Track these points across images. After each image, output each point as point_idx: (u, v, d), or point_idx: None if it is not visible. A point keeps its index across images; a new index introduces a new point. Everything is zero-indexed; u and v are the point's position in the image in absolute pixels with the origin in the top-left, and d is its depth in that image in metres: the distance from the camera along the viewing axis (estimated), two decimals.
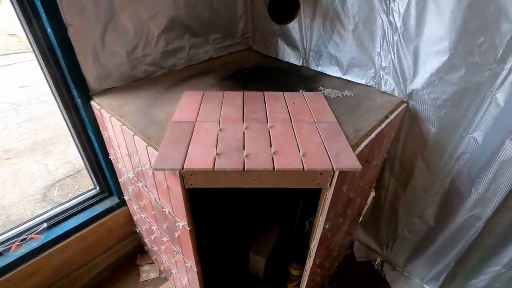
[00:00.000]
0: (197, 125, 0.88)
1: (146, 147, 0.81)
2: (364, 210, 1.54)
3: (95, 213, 1.30)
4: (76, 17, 0.92)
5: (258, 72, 1.32)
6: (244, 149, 0.78)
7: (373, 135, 0.89)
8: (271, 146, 0.80)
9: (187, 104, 1.00)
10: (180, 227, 0.87)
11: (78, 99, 1.04)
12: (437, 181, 1.16)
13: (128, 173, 1.06)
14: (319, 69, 1.32)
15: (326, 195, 0.81)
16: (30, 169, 2.65)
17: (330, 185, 0.78)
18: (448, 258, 1.23)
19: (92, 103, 1.03)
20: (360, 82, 1.21)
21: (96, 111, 1.04)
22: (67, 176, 2.61)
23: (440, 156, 1.11)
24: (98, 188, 1.35)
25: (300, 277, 1.22)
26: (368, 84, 1.19)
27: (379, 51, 1.10)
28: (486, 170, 0.99)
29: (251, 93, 1.09)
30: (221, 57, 1.47)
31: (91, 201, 1.33)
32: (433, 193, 1.19)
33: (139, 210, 1.20)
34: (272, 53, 1.48)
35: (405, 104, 1.08)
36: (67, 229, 1.23)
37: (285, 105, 1.02)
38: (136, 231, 1.42)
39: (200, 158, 0.74)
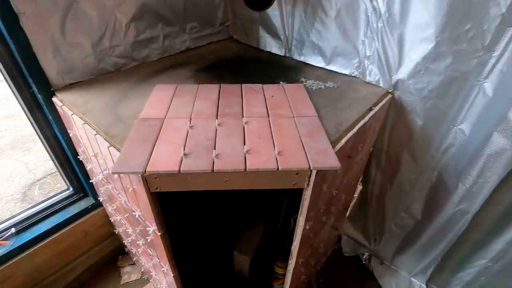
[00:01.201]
0: (166, 122, 0.82)
1: (108, 147, 0.74)
2: (352, 204, 1.51)
3: (69, 215, 1.23)
4: (29, 4, 0.84)
5: (238, 63, 1.25)
6: (214, 149, 0.72)
7: (355, 129, 0.84)
8: (244, 144, 0.74)
9: (158, 99, 0.92)
10: (151, 232, 0.81)
11: (39, 96, 0.96)
12: (423, 174, 1.12)
13: (98, 175, 0.99)
14: (302, 59, 1.26)
15: (304, 195, 0.76)
16: (9, 168, 2.55)
17: (308, 185, 0.72)
18: (435, 252, 1.21)
19: (55, 99, 0.95)
20: (344, 72, 1.15)
21: (58, 109, 0.96)
22: (49, 174, 2.52)
23: (426, 149, 1.06)
24: (71, 189, 1.28)
25: (284, 275, 1.18)
26: (352, 75, 1.13)
27: (363, 39, 1.04)
28: (473, 164, 0.95)
29: (228, 86, 1.02)
30: (199, 47, 1.39)
31: (65, 203, 1.26)
32: (420, 187, 1.15)
33: (114, 212, 1.14)
34: (253, 42, 1.40)
35: (390, 95, 1.03)
36: (39, 233, 1.16)
37: (263, 98, 0.95)
38: (115, 232, 1.36)
39: (165, 159, 0.68)
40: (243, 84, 1.03)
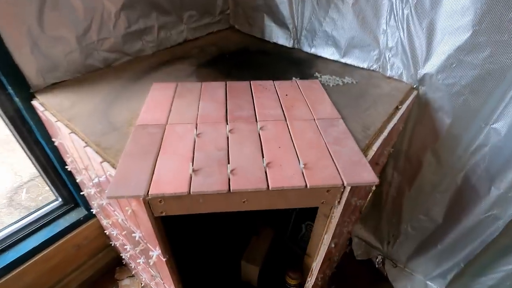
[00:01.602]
0: (168, 129, 0.70)
1: (101, 163, 0.62)
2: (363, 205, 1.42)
3: (58, 229, 1.11)
4: None
5: (242, 56, 1.13)
6: (228, 162, 0.61)
7: (385, 133, 0.74)
8: (263, 156, 0.63)
9: (156, 101, 0.80)
10: (154, 256, 0.70)
11: (16, 99, 0.82)
12: (447, 176, 1.04)
13: (90, 188, 0.87)
14: (312, 51, 1.14)
15: (333, 213, 0.66)
16: None
17: (339, 202, 0.62)
18: (458, 258, 1.14)
19: (35, 103, 0.82)
20: (361, 66, 1.04)
21: (40, 114, 0.83)
22: (36, 177, 2.36)
23: (453, 149, 0.97)
24: (60, 199, 1.15)
25: (297, 286, 1.10)
26: (371, 68, 1.02)
27: (385, 28, 0.93)
28: (509, 166, 0.86)
29: (235, 83, 0.90)
30: (198, 38, 1.25)
31: (53, 215, 1.13)
32: (443, 189, 1.07)
33: (110, 226, 1.02)
34: (257, 32, 1.27)
35: (415, 92, 0.93)
36: (25, 251, 1.04)
37: (276, 97, 0.84)
38: (111, 244, 1.25)
39: (171, 177, 0.57)
40: (251, 81, 0.91)
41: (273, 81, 0.92)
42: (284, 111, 0.78)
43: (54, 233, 1.10)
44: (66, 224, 1.13)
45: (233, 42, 1.24)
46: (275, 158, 0.62)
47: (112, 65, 1.00)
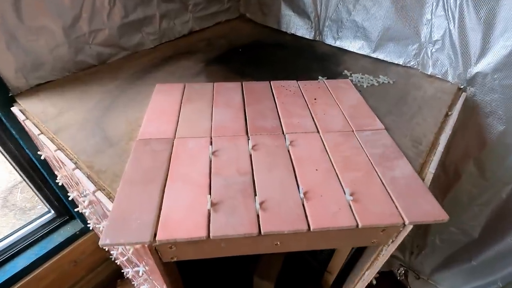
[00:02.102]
0: (176, 145, 0.57)
1: (94, 192, 0.50)
2: None
3: (52, 245, 1.00)
4: None
5: (257, 50, 0.98)
6: (255, 192, 0.48)
7: (440, 147, 0.61)
8: (297, 183, 0.50)
9: (161, 107, 0.67)
10: None
11: None
12: (490, 189, 0.91)
13: (85, 209, 0.74)
14: (337, 44, 0.99)
15: (382, 251, 0.54)
16: None
17: (394, 241, 0.50)
18: (496, 276, 1.03)
19: (14, 109, 0.68)
20: (396, 62, 0.90)
21: (21, 123, 0.69)
22: None
23: (502, 160, 0.84)
24: (53, 211, 1.03)
25: None
26: (408, 65, 0.88)
27: (430, 18, 0.78)
28: None
29: (253, 84, 0.77)
30: (205, 29, 1.10)
31: (46, 229, 1.02)
32: (483, 202, 0.95)
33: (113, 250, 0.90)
34: (272, 22, 1.12)
35: (463, 93, 0.79)
36: (15, 271, 0.92)
37: (303, 102, 0.71)
38: (111, 258, 1.14)
39: (184, 215, 0.44)
40: (271, 82, 0.78)
41: (296, 81, 0.78)
42: (315, 121, 0.64)
43: (48, 250, 0.98)
44: (61, 239, 1.01)
45: (244, 34, 1.09)
46: (313, 185, 0.49)
47: (107, 61, 0.86)
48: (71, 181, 0.69)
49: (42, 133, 0.60)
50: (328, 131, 0.62)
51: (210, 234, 0.42)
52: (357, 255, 0.84)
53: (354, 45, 0.96)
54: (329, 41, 1.01)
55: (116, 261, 1.05)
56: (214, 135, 0.59)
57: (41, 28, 0.69)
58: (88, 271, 1.16)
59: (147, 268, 0.60)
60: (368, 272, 0.59)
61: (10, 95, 0.69)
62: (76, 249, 1.06)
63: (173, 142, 0.57)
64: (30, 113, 0.66)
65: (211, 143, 0.57)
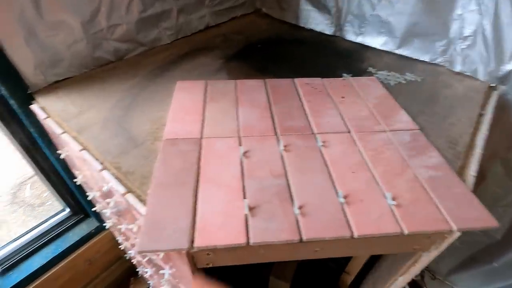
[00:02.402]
0: (204, 145, 0.55)
1: (124, 195, 0.48)
2: None
3: (68, 244, 0.98)
4: None
5: (276, 46, 0.95)
6: (292, 196, 0.46)
7: (478, 149, 0.58)
8: (334, 186, 0.48)
9: (184, 106, 0.65)
10: None
11: (12, 101, 0.67)
12: None
13: (106, 210, 0.72)
14: (359, 39, 0.96)
15: (420, 256, 0.52)
16: None
17: (437, 248, 0.48)
18: None
19: (34, 107, 0.66)
20: (421, 59, 0.87)
21: (41, 121, 0.67)
22: None
23: None
24: (68, 209, 1.02)
25: None
26: (434, 62, 0.85)
27: (461, 13, 0.75)
28: None
29: (276, 81, 0.74)
30: (220, 25, 1.07)
31: (61, 228, 1.00)
32: (508, 203, 0.93)
33: (129, 246, 0.89)
34: (290, 17, 1.09)
35: (493, 92, 0.76)
36: (31, 270, 0.91)
37: (331, 100, 0.68)
38: (126, 257, 1.13)
39: (221, 220, 0.42)
40: (295, 79, 0.75)
41: (321, 78, 0.76)
42: (345, 120, 0.62)
43: (64, 249, 0.97)
44: (76, 238, 1.00)
45: (261, 29, 1.06)
46: (351, 189, 0.47)
47: (124, 57, 0.84)
48: (91, 181, 0.67)
49: (65, 132, 0.58)
50: (360, 131, 0.59)
51: (250, 241, 0.40)
52: (376, 256, 0.82)
53: (377, 41, 0.92)
54: (350, 37, 0.98)
55: (131, 261, 1.04)
56: (242, 135, 0.57)
57: (60, 23, 0.67)
58: (102, 269, 1.15)
59: (172, 271, 0.58)
60: (402, 278, 0.57)
61: (28, 92, 0.67)
62: (91, 248, 1.04)
63: (201, 143, 0.55)
64: (50, 111, 0.64)
65: (240, 143, 0.55)
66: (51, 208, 1.97)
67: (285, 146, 0.54)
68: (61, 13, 0.66)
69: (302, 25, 1.06)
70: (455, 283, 1.25)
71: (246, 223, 0.42)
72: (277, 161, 0.52)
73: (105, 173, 0.51)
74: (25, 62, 0.65)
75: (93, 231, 1.03)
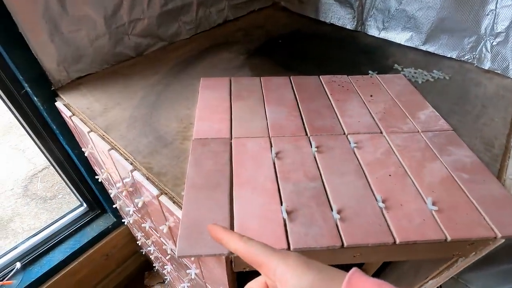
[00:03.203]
0: (235, 145, 0.54)
1: (158, 196, 0.47)
2: None
3: (86, 240, 0.99)
4: None
5: (297, 41, 0.93)
6: (329, 200, 0.45)
7: None
8: (372, 190, 0.47)
9: (210, 104, 0.63)
10: None
11: (36, 99, 0.66)
12: None
13: (128, 207, 0.72)
14: (382, 35, 0.94)
15: (457, 261, 0.51)
16: (4, 157, 2.28)
17: (476, 254, 0.47)
18: None
19: (58, 104, 0.66)
20: (448, 55, 0.84)
21: (66, 119, 0.66)
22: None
23: None
24: (85, 205, 1.02)
25: None
26: (462, 59, 0.83)
27: (494, 8, 0.72)
28: None
29: (302, 79, 0.73)
30: (239, 18, 1.05)
31: (79, 224, 1.01)
32: None
33: (150, 244, 0.89)
34: (309, 11, 1.06)
35: None
36: (51, 265, 0.92)
37: (359, 99, 0.67)
38: (142, 252, 1.14)
39: (259, 225, 0.41)
40: (321, 76, 0.73)
41: (347, 75, 0.74)
42: (376, 120, 0.61)
43: (82, 244, 0.98)
44: (94, 234, 1.01)
45: (281, 23, 1.04)
46: (390, 193, 0.46)
47: (144, 53, 0.82)
48: (115, 179, 0.66)
49: (92, 131, 0.58)
50: (392, 132, 0.58)
51: (291, 247, 0.39)
52: None
53: (401, 37, 0.90)
54: (372, 31, 0.95)
55: (149, 256, 1.04)
56: (272, 135, 0.56)
57: (83, 17, 0.65)
58: (118, 264, 1.16)
59: (198, 271, 0.58)
60: (432, 282, 0.57)
61: (52, 89, 0.66)
62: (109, 243, 1.05)
63: (231, 143, 0.54)
64: (75, 108, 0.63)
65: (270, 144, 0.54)
66: (63, 201, 1.99)
67: (317, 147, 0.53)
68: (85, 7, 0.64)
69: (322, 19, 1.04)
70: (470, 282, 1.25)
71: (285, 228, 0.41)
72: (311, 162, 0.51)
73: (136, 174, 0.50)
74: (49, 58, 0.64)
75: (110, 226, 1.04)
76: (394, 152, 0.53)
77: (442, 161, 0.52)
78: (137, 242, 1.03)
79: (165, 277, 1.05)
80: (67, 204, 1.94)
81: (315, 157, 0.52)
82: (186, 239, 0.39)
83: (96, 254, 1.03)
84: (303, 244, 0.39)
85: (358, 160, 0.52)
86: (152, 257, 1.00)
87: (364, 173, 0.49)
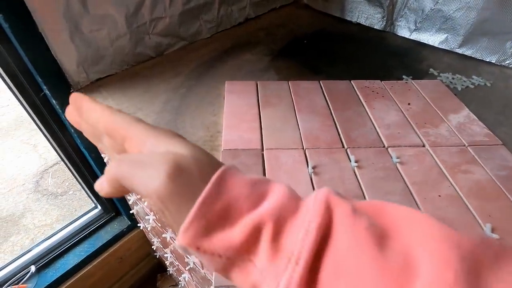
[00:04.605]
0: (267, 158, 0.50)
1: None
2: None
3: (100, 243, 0.97)
4: None
5: (322, 42, 0.89)
6: None
7: None
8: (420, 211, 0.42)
9: (238, 111, 0.59)
10: None
11: (54, 101, 0.63)
12: None
13: (148, 215, 0.69)
14: (413, 36, 0.89)
15: None
16: (16, 152, 2.28)
17: None
18: None
19: None
20: (487, 59, 0.79)
21: None
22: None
23: None
24: (100, 207, 1.00)
25: None
26: (502, 64, 0.77)
27: None
28: None
29: (333, 83, 0.68)
30: (260, 17, 1.01)
31: (93, 227, 0.99)
32: None
33: (168, 253, 0.86)
34: (334, 10, 1.01)
35: None
36: (66, 269, 0.90)
37: (397, 107, 0.62)
38: (156, 255, 1.11)
39: None
40: (353, 81, 0.69)
41: (381, 81, 0.69)
42: (417, 131, 0.56)
43: (97, 247, 0.96)
44: (109, 237, 0.98)
45: (304, 22, 0.99)
46: (441, 216, 0.42)
47: (164, 53, 0.78)
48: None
49: None
50: (437, 145, 0.53)
51: None
52: None
53: (435, 39, 0.85)
54: (403, 32, 0.90)
55: (164, 260, 1.02)
56: (307, 146, 0.52)
57: (104, 16, 0.62)
58: (132, 266, 1.14)
59: None
60: None
61: (71, 91, 0.63)
62: (123, 246, 1.03)
63: (263, 155, 0.50)
64: None
65: (306, 157, 0.50)
66: (73, 197, 1.99)
67: (357, 161, 0.49)
68: (106, 5, 0.61)
69: (348, 18, 0.99)
70: None
71: None
72: (351, 179, 0.47)
73: None
74: (69, 59, 0.60)
75: (125, 229, 1.01)
76: (441, 169, 0.49)
77: (495, 179, 0.47)
78: (152, 247, 1.01)
79: (180, 283, 1.03)
80: (78, 201, 1.93)
81: (355, 173, 0.48)
82: None
83: (111, 257, 1.01)
84: None
85: (402, 178, 0.47)
86: (167, 262, 0.98)
87: (411, 192, 0.45)
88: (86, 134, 0.23)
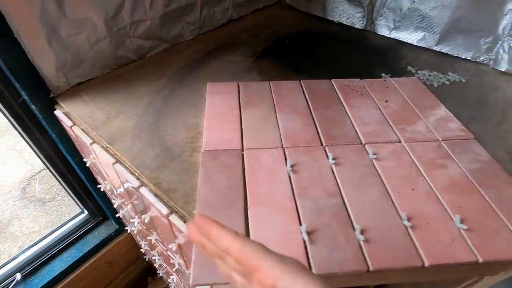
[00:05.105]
0: (247, 157, 0.51)
1: (168, 216, 0.44)
2: None
3: (88, 248, 0.96)
4: None
5: (305, 42, 0.90)
6: (351, 218, 0.42)
7: None
8: (395, 207, 0.44)
9: (219, 112, 0.60)
10: None
11: (34, 107, 0.62)
12: None
13: (133, 218, 0.69)
14: (392, 35, 0.90)
15: (482, 280, 0.49)
16: (2, 158, 2.23)
17: (506, 273, 0.44)
18: None
19: (58, 113, 0.62)
20: (462, 56, 0.81)
21: (67, 129, 0.63)
22: None
23: None
24: (86, 212, 0.99)
25: None
26: (477, 60, 0.80)
27: None
28: None
29: (313, 83, 0.69)
30: (243, 18, 1.01)
31: (81, 231, 0.98)
32: None
33: (153, 253, 0.86)
34: (316, 10, 1.02)
35: None
36: (52, 276, 0.89)
37: (375, 105, 0.64)
38: (145, 258, 1.11)
39: (278, 248, 0.38)
40: (333, 80, 0.70)
41: (360, 79, 0.71)
42: (394, 128, 0.58)
43: (84, 252, 0.95)
44: (96, 242, 0.98)
45: (287, 23, 1.00)
46: (414, 210, 0.43)
47: (146, 55, 0.78)
48: (120, 191, 0.63)
49: (95, 142, 0.54)
50: (411, 140, 0.55)
51: (313, 271, 0.36)
52: None
53: (413, 37, 0.87)
54: (383, 31, 0.92)
55: (153, 263, 1.02)
56: (286, 145, 0.53)
57: (83, 20, 0.62)
58: (121, 270, 1.14)
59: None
60: None
61: (51, 96, 0.63)
62: (111, 250, 1.02)
63: (243, 155, 0.51)
64: (76, 117, 0.59)
65: (285, 155, 0.51)
66: (62, 203, 1.96)
67: (334, 158, 0.50)
68: (85, 9, 0.61)
69: (329, 18, 1.00)
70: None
71: (305, 251, 0.38)
72: (329, 176, 0.48)
73: (143, 190, 0.47)
74: (47, 64, 0.60)
75: (112, 233, 1.01)
76: (415, 164, 0.51)
77: (467, 173, 0.49)
78: (141, 250, 1.00)
79: (170, 285, 1.03)
80: (67, 206, 1.91)
81: (332, 170, 0.49)
82: (201, 267, 0.36)
83: (99, 262, 1.00)
84: (325, 270, 0.37)
85: (378, 173, 0.49)
86: (156, 264, 0.98)
87: (386, 188, 0.47)
88: (209, 252, 0.24)
